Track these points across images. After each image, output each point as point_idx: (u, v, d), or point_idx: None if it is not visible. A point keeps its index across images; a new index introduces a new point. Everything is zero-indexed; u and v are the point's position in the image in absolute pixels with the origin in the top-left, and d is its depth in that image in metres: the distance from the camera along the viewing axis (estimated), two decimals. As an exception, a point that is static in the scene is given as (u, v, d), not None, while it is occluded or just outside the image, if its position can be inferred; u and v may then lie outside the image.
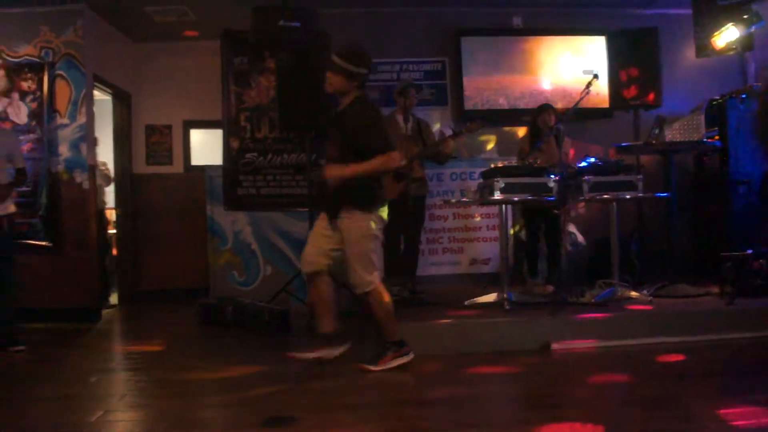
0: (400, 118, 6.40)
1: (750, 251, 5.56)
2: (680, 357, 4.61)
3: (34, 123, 6.96)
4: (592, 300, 5.56)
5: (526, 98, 8.20)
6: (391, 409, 3.68)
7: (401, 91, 6.44)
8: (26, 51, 7.04)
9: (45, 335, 6.15)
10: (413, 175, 6.22)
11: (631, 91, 7.55)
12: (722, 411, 3.50)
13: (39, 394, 4.17)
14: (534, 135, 6.53)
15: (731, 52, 7.17)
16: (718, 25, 6.96)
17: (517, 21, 8.41)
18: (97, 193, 7.41)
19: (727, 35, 6.86)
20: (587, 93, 5.72)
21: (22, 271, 5.88)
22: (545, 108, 6.62)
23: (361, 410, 3.66)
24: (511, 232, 7.06)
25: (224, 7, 7.35)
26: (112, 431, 3.47)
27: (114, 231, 8.61)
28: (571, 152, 6.82)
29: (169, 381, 4.49)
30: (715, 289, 5.87)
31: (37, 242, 6.91)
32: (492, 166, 5.82)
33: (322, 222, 4.55)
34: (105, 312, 7.44)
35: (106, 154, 8.29)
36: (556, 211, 6.02)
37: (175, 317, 7.29)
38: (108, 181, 8.12)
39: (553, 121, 6.42)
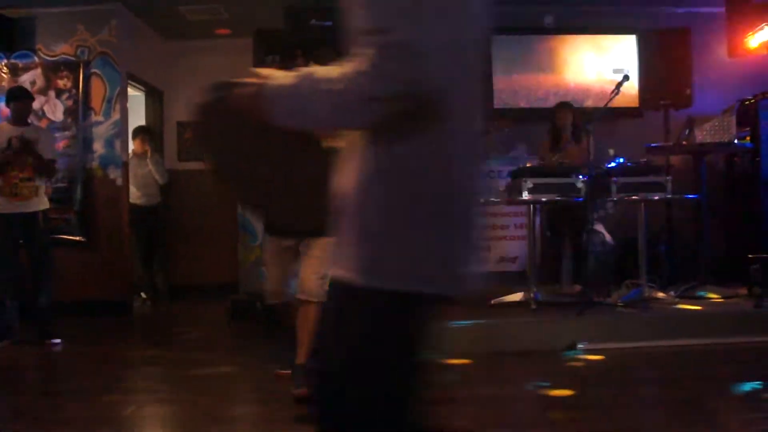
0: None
1: (780, 253, 5.54)
2: (706, 360, 4.62)
3: (69, 120, 7.09)
4: (619, 300, 5.56)
5: (556, 97, 8.19)
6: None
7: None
8: (62, 50, 7.18)
9: (79, 329, 6.27)
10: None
11: (662, 91, 7.51)
12: (749, 416, 3.51)
13: (74, 388, 4.28)
14: (553, 134, 6.55)
15: (765, 52, 7.10)
16: (751, 25, 6.90)
17: (548, 20, 8.37)
18: (129, 188, 7.57)
19: (761, 35, 6.80)
20: (617, 93, 5.72)
21: (56, 266, 6.00)
22: (561, 106, 6.66)
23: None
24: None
25: (257, 5, 7.42)
26: (145, 425, 3.57)
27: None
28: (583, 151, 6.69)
29: (200, 376, 4.57)
30: (743, 292, 5.85)
31: (71, 237, 7.05)
32: (527, 164, 5.84)
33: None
34: (137, 306, 7.57)
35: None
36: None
37: (205, 312, 7.41)
38: (163, 177, 8.19)
39: (570, 120, 6.42)
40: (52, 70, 7.12)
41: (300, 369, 3.81)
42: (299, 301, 3.87)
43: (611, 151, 6.04)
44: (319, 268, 3.79)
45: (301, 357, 3.85)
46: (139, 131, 8.03)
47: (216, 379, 4.49)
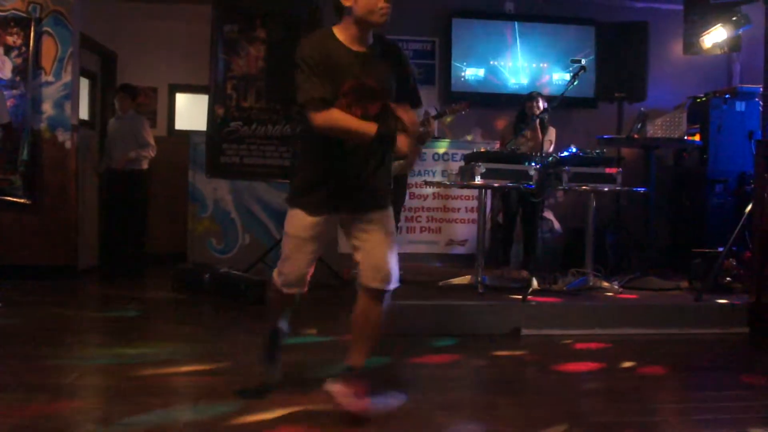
0: (387, 98, 6.39)
1: (721, 249, 5.67)
2: (645, 349, 4.72)
3: (18, 79, 6.88)
4: (564, 288, 5.65)
5: (514, 83, 8.27)
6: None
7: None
8: (13, 5, 6.94)
9: (21, 293, 6.15)
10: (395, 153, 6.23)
11: (617, 83, 7.61)
12: (684, 405, 3.61)
13: (13, 353, 4.19)
14: (521, 121, 6.59)
15: (719, 52, 7.23)
16: (707, 24, 7.00)
17: (509, 6, 8.42)
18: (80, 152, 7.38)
19: (715, 35, 6.91)
20: (574, 83, 5.77)
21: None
22: (534, 95, 6.68)
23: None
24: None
25: (217, -28, 7.30)
26: (85, 395, 3.51)
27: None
28: (551, 142, 6.79)
29: (143, 346, 4.52)
30: (685, 285, 5.99)
31: (14, 199, 6.88)
32: (482, 149, 5.88)
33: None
34: (82, 272, 7.42)
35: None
36: (534, 199, 6.08)
37: (151, 281, 7.32)
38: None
39: (541, 109, 6.47)
40: (1, 25, 6.89)
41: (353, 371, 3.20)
42: (372, 292, 3.13)
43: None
44: (394, 248, 3.17)
45: (359, 359, 3.24)
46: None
47: (159, 350, 4.44)
